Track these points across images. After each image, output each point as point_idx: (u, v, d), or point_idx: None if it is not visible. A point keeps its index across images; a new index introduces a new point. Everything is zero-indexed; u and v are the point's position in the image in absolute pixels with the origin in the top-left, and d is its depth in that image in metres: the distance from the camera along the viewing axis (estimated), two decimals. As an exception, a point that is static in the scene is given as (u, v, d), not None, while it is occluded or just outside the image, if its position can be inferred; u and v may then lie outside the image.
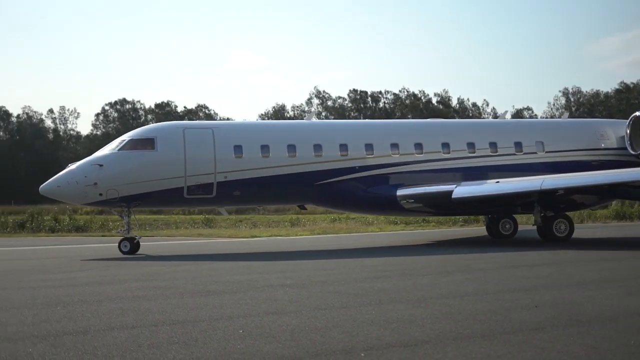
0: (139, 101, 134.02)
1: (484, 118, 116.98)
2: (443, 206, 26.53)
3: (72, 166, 25.17)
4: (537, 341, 9.02)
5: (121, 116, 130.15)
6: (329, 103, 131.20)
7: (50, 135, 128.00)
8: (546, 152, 28.72)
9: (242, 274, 17.60)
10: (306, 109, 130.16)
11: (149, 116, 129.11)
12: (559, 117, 63.57)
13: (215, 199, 25.57)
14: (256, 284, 15.52)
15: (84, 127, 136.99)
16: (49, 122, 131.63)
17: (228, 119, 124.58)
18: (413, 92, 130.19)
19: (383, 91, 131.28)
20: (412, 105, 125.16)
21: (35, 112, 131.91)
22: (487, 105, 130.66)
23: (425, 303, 12.21)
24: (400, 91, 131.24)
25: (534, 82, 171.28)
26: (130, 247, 25.12)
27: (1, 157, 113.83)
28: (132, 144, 25.10)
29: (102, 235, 40.49)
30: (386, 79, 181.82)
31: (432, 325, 10.20)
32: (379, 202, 26.60)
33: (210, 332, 9.98)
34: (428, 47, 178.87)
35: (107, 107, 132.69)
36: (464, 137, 28.17)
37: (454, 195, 25.48)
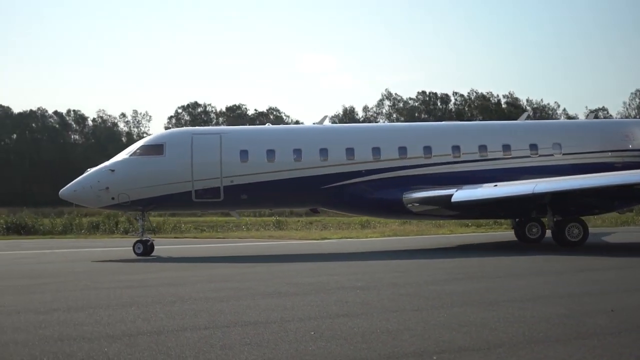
0: (210, 104, 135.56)
1: (555, 119, 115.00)
2: (447, 210, 26.12)
3: (90, 171, 26.25)
4: (613, 346, 8.83)
5: (193, 119, 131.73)
6: (400, 105, 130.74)
7: (124, 139, 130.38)
8: (563, 154, 27.56)
9: (312, 276, 17.63)
10: (377, 110, 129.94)
11: (220, 119, 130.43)
12: (635, 117, 61.39)
13: (223, 203, 26.08)
14: (327, 285, 15.53)
15: (156, 130, 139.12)
16: (122, 126, 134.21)
17: (297, 121, 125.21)
18: (482, 93, 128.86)
19: (452, 93, 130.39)
20: (482, 107, 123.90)
21: (109, 115, 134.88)
22: (559, 106, 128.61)
23: (498, 306, 12.06)
24: (469, 93, 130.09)
25: (608, 82, 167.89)
26: (144, 249, 25.94)
27: (77, 159, 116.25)
28: (143, 150, 26.11)
29: (175, 237, 41.08)
30: (456, 80, 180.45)
31: (505, 328, 10.07)
32: (386, 206, 26.45)
33: (282, 334, 10.02)
34: (498, 47, 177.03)
35: (179, 110, 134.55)
36: (475, 139, 27.50)
37: (453, 199, 25.19)
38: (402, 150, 26.64)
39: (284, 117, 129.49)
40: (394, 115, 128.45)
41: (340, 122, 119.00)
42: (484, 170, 26.72)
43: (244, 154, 25.85)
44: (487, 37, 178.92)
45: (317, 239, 35.44)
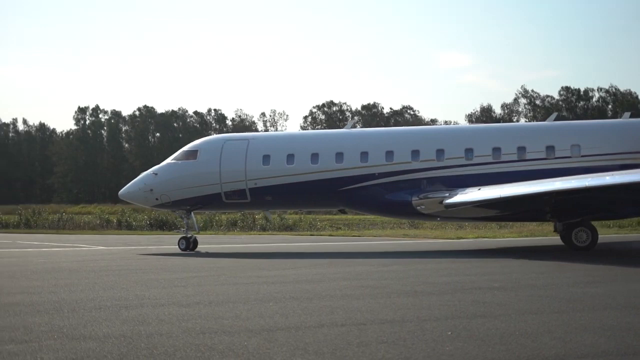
0: (345, 103, 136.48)
1: None
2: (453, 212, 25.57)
3: (143, 173, 28.93)
4: None
5: (328, 118, 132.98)
6: (537, 102, 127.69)
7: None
8: (582, 156, 25.95)
9: (448, 275, 17.48)
10: (513, 108, 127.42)
11: (356, 118, 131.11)
12: None
13: (251, 204, 27.96)
14: (464, 285, 15.36)
15: (292, 129, 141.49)
16: (260, 125, 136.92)
17: (432, 120, 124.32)
18: (630, 90, 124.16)
19: (596, 88, 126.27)
20: (628, 103, 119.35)
21: (247, 114, 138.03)
22: None
23: (643, 310, 11.63)
24: (610, 87, 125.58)
25: None
26: (186, 245, 27.96)
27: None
28: (182, 155, 28.49)
29: (311, 234, 41.56)
30: (598, 76, 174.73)
31: (651, 334, 9.70)
32: (398, 207, 26.62)
33: (419, 333, 9.98)
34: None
35: (314, 110, 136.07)
36: (489, 142, 26.76)
37: (445, 202, 25.02)
38: (415, 153, 26.76)
39: (419, 116, 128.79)
40: (530, 114, 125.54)
41: (477, 121, 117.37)
42: (499, 174, 25.97)
43: (266, 158, 27.36)
44: (627, 33, 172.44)
45: (453, 238, 35.08)
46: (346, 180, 26.79)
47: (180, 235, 28.98)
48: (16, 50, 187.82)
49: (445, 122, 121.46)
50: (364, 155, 26.95)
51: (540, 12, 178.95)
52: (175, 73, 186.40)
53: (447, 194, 25.27)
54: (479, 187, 25.01)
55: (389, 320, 11.08)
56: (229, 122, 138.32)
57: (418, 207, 25.97)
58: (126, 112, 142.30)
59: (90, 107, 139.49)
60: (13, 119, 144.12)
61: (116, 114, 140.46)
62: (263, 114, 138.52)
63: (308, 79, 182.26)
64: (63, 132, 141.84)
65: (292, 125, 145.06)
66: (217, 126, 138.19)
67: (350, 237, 38.53)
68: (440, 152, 26.53)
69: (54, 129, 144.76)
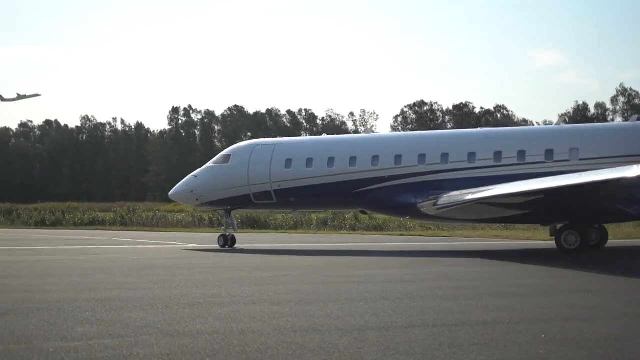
0: (436, 102, 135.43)
1: None
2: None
3: (188, 176, 31.16)
4: None
5: (419, 118, 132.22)
6: (637, 101, 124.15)
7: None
8: (580, 159, 25.21)
9: (541, 277, 17.21)
10: (610, 107, 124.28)
11: (447, 117, 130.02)
12: None
13: (276, 204, 29.85)
14: (557, 288, 15.12)
15: (382, 129, 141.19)
16: (350, 125, 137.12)
17: (524, 120, 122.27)
18: None
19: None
20: None
21: (337, 114, 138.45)
22: None
23: None
24: None
25: None
26: (224, 242, 29.48)
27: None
28: (218, 159, 30.69)
29: (400, 234, 41.40)
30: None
31: None
32: (406, 209, 27.17)
33: (511, 335, 9.83)
34: None
35: (405, 109, 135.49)
36: (491, 146, 26.89)
37: (437, 203, 25.27)
38: (422, 157, 27.27)
39: (511, 116, 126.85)
40: (629, 112, 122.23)
41: (570, 121, 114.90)
42: (499, 177, 25.64)
43: (288, 162, 28.84)
44: None
45: (546, 240, 34.43)
46: (359, 182, 27.72)
47: (219, 233, 30.51)
48: (116, 52, 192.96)
49: (539, 123, 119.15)
50: (375, 159, 27.83)
51: (638, 8, 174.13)
52: (267, 72, 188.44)
53: (444, 196, 25.34)
54: (475, 189, 24.69)
55: (480, 322, 10.95)
56: (319, 122, 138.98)
57: (422, 209, 26.26)
58: (219, 111, 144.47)
59: (183, 107, 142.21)
60: (113, 118, 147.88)
61: (209, 114, 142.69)
62: (352, 114, 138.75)
63: (399, 78, 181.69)
64: (155, 132, 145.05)
65: (382, 126, 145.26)
66: (308, 126, 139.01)
67: (441, 237, 38.24)
68: (445, 156, 27.03)
69: (148, 129, 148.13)
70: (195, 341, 9.65)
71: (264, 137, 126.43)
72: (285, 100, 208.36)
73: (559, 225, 25.16)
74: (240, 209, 32.11)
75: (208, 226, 51.31)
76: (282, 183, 28.54)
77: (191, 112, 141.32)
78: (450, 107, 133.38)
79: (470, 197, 23.88)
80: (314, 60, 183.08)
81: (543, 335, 9.78)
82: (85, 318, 11.47)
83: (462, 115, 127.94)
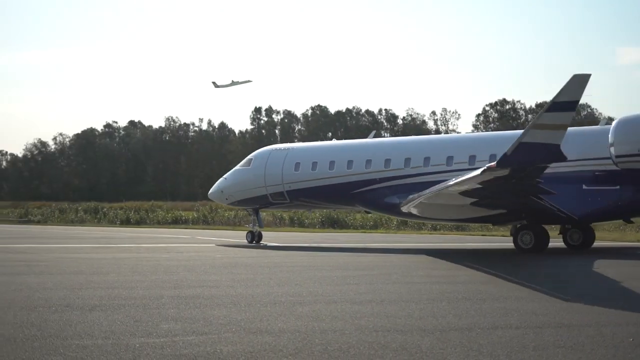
0: (519, 101, 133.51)
1: None
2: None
3: (221, 177, 34.20)
4: None
5: (501, 117, 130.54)
6: None
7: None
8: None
9: (629, 280, 16.76)
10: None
11: (529, 116, 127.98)
12: None
13: (289, 204, 32.73)
14: (646, 291, 14.73)
15: (464, 128, 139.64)
16: (430, 124, 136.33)
17: (610, 118, 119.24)
18: None
19: None
20: None
21: (418, 113, 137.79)
22: None
23: None
24: None
25: None
26: (252, 238, 32.49)
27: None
28: (244, 162, 33.52)
29: (482, 235, 40.96)
30: None
31: None
32: (392, 208, 28.71)
33: (598, 338, 9.62)
34: None
35: (487, 108, 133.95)
36: (467, 150, 28.46)
37: (404, 202, 26.84)
38: (407, 161, 29.25)
39: (595, 114, 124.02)
40: None
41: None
42: None
43: (297, 165, 31.50)
44: None
45: (633, 241, 33.68)
46: (355, 184, 29.77)
47: (247, 230, 33.87)
48: (202, 54, 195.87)
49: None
50: (368, 162, 30.07)
51: None
52: (348, 72, 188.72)
53: (410, 196, 26.60)
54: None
55: (565, 324, 10.75)
56: (399, 122, 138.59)
57: (402, 208, 27.49)
58: (299, 111, 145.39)
59: (264, 108, 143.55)
60: (199, 118, 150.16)
61: (289, 114, 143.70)
62: (433, 113, 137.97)
63: (481, 76, 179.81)
64: (238, 131, 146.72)
65: (464, 125, 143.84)
66: (388, 125, 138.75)
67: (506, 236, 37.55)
68: (427, 160, 28.79)
69: (231, 128, 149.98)
70: (278, 339, 9.71)
71: (344, 138, 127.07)
72: (365, 100, 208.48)
73: (518, 225, 26.31)
74: (264, 208, 34.32)
75: (288, 225, 51.75)
76: (292, 184, 31.29)
77: (272, 112, 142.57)
78: (533, 106, 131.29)
79: (420, 194, 25.18)
80: (396, 59, 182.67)
81: (631, 339, 9.55)
82: (169, 315, 11.66)
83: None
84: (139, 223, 61.01)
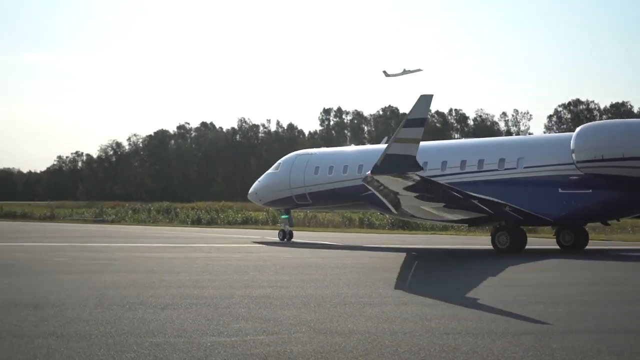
0: (592, 101, 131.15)
1: None
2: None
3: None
4: None
5: (574, 117, 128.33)
6: None
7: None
8: (525, 167, 28.18)
9: None
10: None
11: (604, 117, 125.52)
12: None
13: (312, 205, 35.43)
14: None
15: (535, 129, 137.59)
16: (502, 125, 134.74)
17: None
18: None
19: None
20: None
21: (488, 114, 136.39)
22: None
23: None
24: None
25: None
26: (283, 236, 35.63)
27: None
28: (275, 166, 36.11)
29: (554, 236, 40.16)
30: None
31: None
32: (390, 209, 28.48)
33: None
34: None
35: (559, 109, 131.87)
36: (459, 156, 30.23)
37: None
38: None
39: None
40: None
41: None
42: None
43: (317, 169, 33.85)
44: None
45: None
46: (364, 187, 29.43)
47: (279, 229, 36.86)
48: (272, 55, 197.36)
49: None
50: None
51: None
52: (417, 73, 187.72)
53: None
54: None
55: (641, 329, 10.51)
56: (470, 122, 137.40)
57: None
58: (368, 112, 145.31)
59: (334, 108, 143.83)
60: (267, 119, 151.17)
61: (358, 115, 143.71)
62: (504, 114, 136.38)
63: (554, 77, 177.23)
64: (307, 132, 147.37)
65: (536, 126, 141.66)
66: (458, 126, 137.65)
67: (597, 240, 36.91)
68: (424, 164, 28.53)
69: (301, 130, 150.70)
70: (347, 340, 9.70)
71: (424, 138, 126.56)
72: (435, 100, 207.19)
73: (497, 226, 27.75)
74: (292, 208, 36.35)
75: (358, 227, 51.73)
76: (313, 187, 33.70)
77: (342, 113, 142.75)
78: (607, 106, 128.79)
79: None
80: (466, 59, 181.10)
81: None
82: (240, 314, 11.75)
83: (619, 114, 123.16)
84: (210, 223, 61.71)
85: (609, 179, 26.21)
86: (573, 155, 26.47)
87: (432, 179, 25.97)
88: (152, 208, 75.97)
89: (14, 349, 9.16)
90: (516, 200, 27.04)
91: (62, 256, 24.67)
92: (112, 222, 68.94)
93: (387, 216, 42.27)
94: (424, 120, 22.46)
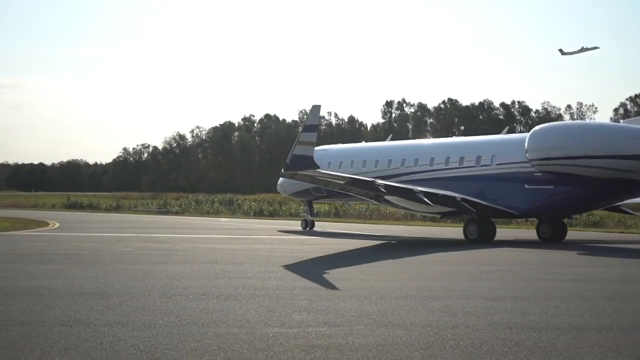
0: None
1: None
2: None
3: None
4: None
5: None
6: None
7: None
8: (497, 164, 30.53)
9: None
10: None
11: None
12: None
13: (327, 196, 37.85)
14: None
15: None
16: (567, 117, 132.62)
17: None
18: None
19: None
20: None
21: (553, 107, 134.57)
22: None
23: None
24: None
25: None
26: (305, 225, 38.71)
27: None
28: None
29: (620, 232, 39.52)
30: None
31: None
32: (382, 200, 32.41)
33: None
34: None
35: (625, 102, 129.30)
36: (444, 154, 32.98)
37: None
38: (403, 161, 34.29)
39: None
40: None
41: None
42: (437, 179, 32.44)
43: (329, 164, 36.03)
44: None
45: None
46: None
47: (302, 219, 40.23)
48: (333, 47, 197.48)
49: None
50: (389, 162, 34.73)
51: None
52: (481, 64, 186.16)
53: None
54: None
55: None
56: (533, 115, 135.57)
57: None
58: (431, 104, 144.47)
59: (397, 101, 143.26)
60: (327, 112, 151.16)
61: (422, 107, 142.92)
62: (569, 107, 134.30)
63: (620, 69, 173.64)
64: (366, 125, 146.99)
65: (601, 119, 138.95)
66: (522, 119, 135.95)
67: (636, 234, 36.13)
68: (416, 160, 33.69)
69: (361, 122, 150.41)
70: (409, 333, 9.70)
71: (476, 131, 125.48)
72: (498, 93, 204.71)
73: (468, 218, 30.52)
74: (312, 200, 38.87)
75: (419, 220, 51.43)
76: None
77: (404, 105, 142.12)
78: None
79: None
80: (530, 51, 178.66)
81: None
82: (302, 306, 11.82)
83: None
84: (272, 215, 62.06)
85: (561, 176, 28.14)
86: (527, 155, 28.72)
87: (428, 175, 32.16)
88: (215, 200, 76.63)
89: (80, 336, 9.37)
90: (477, 194, 29.82)
91: (127, 246, 25.10)
92: (176, 213, 69.78)
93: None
94: (316, 127, 27.25)
